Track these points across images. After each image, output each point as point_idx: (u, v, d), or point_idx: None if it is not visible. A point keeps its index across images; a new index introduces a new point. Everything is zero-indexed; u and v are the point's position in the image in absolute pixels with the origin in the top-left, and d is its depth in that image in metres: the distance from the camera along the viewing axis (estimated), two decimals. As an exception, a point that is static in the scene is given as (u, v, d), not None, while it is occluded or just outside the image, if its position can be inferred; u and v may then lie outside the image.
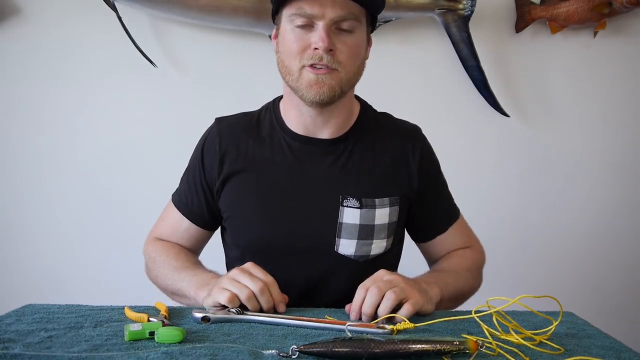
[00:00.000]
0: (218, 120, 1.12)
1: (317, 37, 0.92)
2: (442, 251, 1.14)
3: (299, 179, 1.03)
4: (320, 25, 0.92)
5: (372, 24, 1.01)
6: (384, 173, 1.05)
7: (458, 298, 1.02)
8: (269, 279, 0.87)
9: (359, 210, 1.00)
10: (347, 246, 1.01)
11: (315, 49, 0.92)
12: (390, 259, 1.10)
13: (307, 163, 1.03)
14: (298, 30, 0.94)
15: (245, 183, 1.04)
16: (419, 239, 1.16)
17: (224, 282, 0.87)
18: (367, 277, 0.89)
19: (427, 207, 1.10)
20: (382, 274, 0.89)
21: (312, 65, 0.93)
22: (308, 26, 0.93)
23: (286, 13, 0.96)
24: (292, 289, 0.94)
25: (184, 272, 1.00)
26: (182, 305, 0.97)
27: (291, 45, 0.95)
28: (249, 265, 0.90)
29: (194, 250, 1.15)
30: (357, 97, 1.11)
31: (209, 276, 0.97)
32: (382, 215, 1.02)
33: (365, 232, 1.01)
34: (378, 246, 1.03)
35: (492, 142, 1.99)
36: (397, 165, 1.05)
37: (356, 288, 0.87)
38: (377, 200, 1.02)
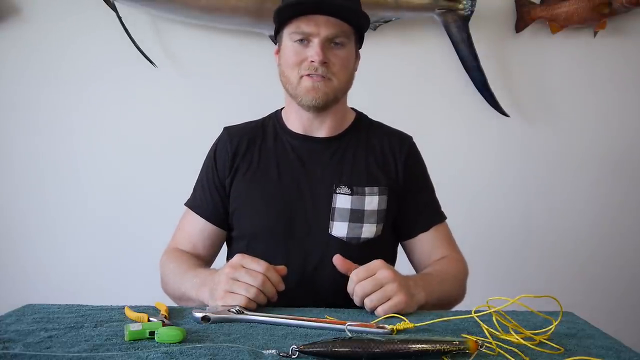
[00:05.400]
0: (226, 128, 1.22)
1: (313, 51, 1.06)
2: (426, 254, 1.17)
3: (299, 172, 1.14)
4: (315, 41, 1.06)
5: (360, 41, 1.16)
6: (374, 166, 1.16)
7: (442, 304, 1.04)
8: (263, 266, 0.90)
9: (350, 196, 1.12)
10: (339, 228, 1.11)
11: (312, 61, 1.06)
12: (382, 249, 1.12)
13: (306, 158, 1.15)
14: (297, 46, 1.08)
15: (252, 176, 1.15)
16: (402, 236, 1.20)
17: (227, 284, 0.89)
18: (359, 261, 0.94)
19: (411, 202, 1.18)
20: (377, 265, 0.91)
21: (309, 75, 1.07)
22: (305, 42, 1.07)
23: (287, 31, 1.09)
24: (293, 272, 1.00)
25: (186, 276, 1.04)
26: (182, 305, 0.97)
27: (291, 58, 1.08)
28: (239, 259, 0.92)
29: (209, 254, 1.19)
30: (354, 109, 1.23)
31: (206, 274, 1.00)
32: (372, 202, 1.12)
33: (356, 216, 1.11)
34: (368, 230, 1.12)
35: (492, 142, 1.99)
36: (385, 160, 1.17)
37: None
38: (367, 188, 1.13)
